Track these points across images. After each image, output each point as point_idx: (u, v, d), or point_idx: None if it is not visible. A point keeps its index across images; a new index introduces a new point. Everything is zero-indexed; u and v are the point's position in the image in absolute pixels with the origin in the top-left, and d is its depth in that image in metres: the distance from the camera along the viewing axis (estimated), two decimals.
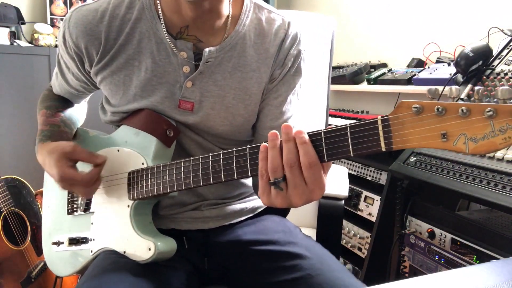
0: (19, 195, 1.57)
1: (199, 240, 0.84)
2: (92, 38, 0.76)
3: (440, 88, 0.52)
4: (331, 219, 1.07)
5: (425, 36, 1.88)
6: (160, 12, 0.76)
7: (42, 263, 1.55)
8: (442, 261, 1.11)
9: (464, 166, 1.03)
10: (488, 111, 0.44)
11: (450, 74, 1.45)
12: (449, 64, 1.57)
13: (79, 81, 0.85)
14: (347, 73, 2.03)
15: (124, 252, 0.75)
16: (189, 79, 0.77)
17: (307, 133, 0.56)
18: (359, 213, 1.77)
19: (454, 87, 0.51)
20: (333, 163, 0.68)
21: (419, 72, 1.67)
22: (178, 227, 0.83)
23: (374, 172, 1.73)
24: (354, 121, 0.54)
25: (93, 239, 0.81)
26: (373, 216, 1.68)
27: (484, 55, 1.21)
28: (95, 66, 0.78)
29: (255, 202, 0.92)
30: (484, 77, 1.20)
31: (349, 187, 1.51)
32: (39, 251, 1.55)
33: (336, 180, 1.14)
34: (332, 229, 1.07)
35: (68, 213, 0.88)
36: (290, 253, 0.77)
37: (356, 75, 2.03)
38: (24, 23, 2.19)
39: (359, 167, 1.82)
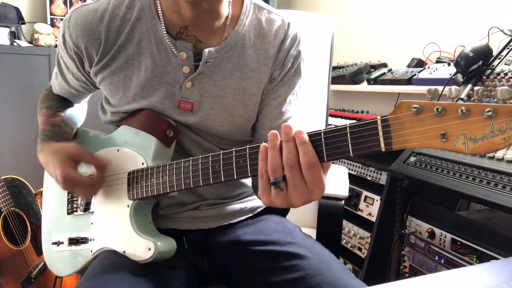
0: (19, 195, 1.57)
1: (199, 240, 0.84)
2: (92, 39, 0.76)
3: (439, 88, 0.52)
4: (331, 219, 1.07)
5: (425, 36, 1.88)
6: (160, 12, 0.76)
7: (42, 263, 1.55)
8: (442, 261, 1.11)
9: (464, 166, 1.03)
10: (488, 111, 0.44)
11: (450, 74, 1.45)
12: (449, 64, 1.57)
13: (79, 81, 0.85)
14: (347, 73, 2.03)
15: (124, 252, 0.75)
16: (188, 79, 0.77)
17: (307, 133, 0.56)
18: (359, 213, 1.77)
19: (453, 87, 0.51)
20: (333, 163, 0.68)
21: (419, 72, 1.67)
22: (177, 227, 0.83)
23: (374, 172, 1.73)
24: (354, 121, 0.54)
25: (93, 239, 0.81)
26: (373, 216, 1.68)
27: (484, 55, 1.21)
28: (95, 66, 0.78)
29: (255, 202, 0.92)
30: (484, 77, 1.20)
31: (349, 187, 1.51)
32: (39, 251, 1.55)
33: (336, 180, 1.14)
34: (332, 229, 1.07)
35: (68, 213, 0.88)
36: (290, 253, 0.77)
37: (356, 75, 2.03)
38: (24, 23, 2.19)
39: (359, 167, 1.82)
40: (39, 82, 2.03)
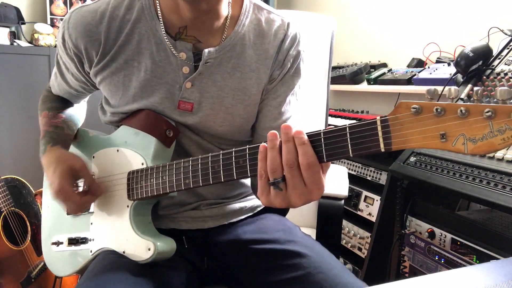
0: (19, 195, 1.57)
1: (199, 239, 0.84)
2: (92, 39, 0.76)
3: (439, 88, 0.52)
4: (331, 219, 1.07)
5: (425, 36, 1.88)
6: (159, 12, 0.76)
7: (42, 263, 1.55)
8: (442, 261, 1.11)
9: (464, 166, 1.03)
10: (487, 112, 0.44)
11: (450, 74, 1.45)
12: (449, 64, 1.57)
13: (79, 81, 0.85)
14: (347, 73, 2.03)
15: (124, 252, 0.75)
16: (188, 79, 0.77)
17: (307, 133, 0.56)
18: (359, 213, 1.77)
19: (453, 88, 0.51)
20: (332, 163, 0.68)
21: (419, 72, 1.67)
22: (177, 227, 0.83)
23: (374, 172, 1.73)
24: (354, 121, 0.54)
25: (93, 239, 0.81)
26: (373, 216, 1.68)
27: (484, 55, 1.21)
28: (95, 67, 0.78)
29: (255, 201, 0.92)
30: (484, 77, 1.20)
31: (349, 187, 1.51)
32: (39, 251, 1.55)
33: (336, 180, 1.14)
34: (332, 229, 1.07)
35: (68, 213, 0.88)
36: (290, 252, 0.77)
37: (356, 75, 2.03)
38: (24, 23, 2.19)
39: (359, 167, 1.82)
40: (39, 82, 2.02)
